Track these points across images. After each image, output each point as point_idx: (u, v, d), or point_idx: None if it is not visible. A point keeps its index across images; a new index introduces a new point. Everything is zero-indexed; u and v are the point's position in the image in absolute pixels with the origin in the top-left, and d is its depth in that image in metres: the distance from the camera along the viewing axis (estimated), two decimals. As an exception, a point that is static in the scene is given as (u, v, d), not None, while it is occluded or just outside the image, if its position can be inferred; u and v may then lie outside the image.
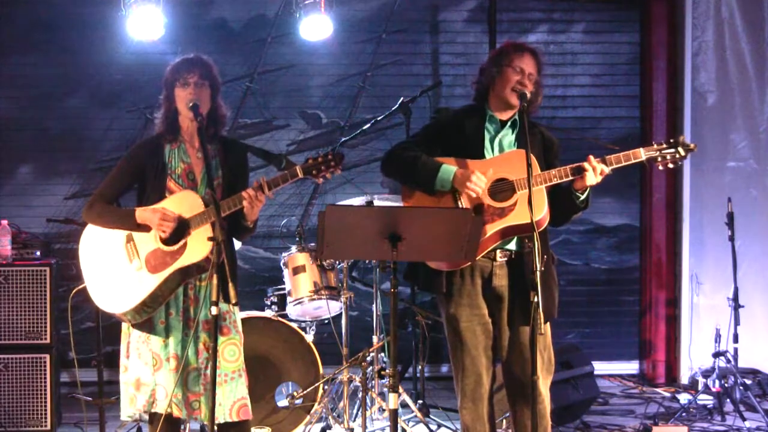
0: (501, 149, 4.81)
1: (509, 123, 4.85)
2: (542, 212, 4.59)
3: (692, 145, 4.61)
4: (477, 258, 4.68)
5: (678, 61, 8.48)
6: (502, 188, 4.67)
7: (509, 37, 8.37)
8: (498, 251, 4.75)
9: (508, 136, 4.85)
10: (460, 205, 4.68)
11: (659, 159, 4.59)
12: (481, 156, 4.78)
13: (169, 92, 4.79)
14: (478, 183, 4.60)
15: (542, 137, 4.87)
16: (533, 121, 4.87)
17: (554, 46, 8.60)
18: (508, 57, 4.83)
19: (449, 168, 4.70)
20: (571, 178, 4.63)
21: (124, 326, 4.83)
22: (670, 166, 4.62)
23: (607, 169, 4.59)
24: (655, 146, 4.61)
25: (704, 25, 8.40)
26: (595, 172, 4.58)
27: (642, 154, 4.58)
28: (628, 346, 8.75)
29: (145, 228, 4.69)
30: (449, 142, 4.83)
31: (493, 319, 4.86)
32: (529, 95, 4.70)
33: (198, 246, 4.60)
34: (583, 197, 4.69)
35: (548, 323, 4.82)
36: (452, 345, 4.91)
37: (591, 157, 4.59)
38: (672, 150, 4.58)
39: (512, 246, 4.77)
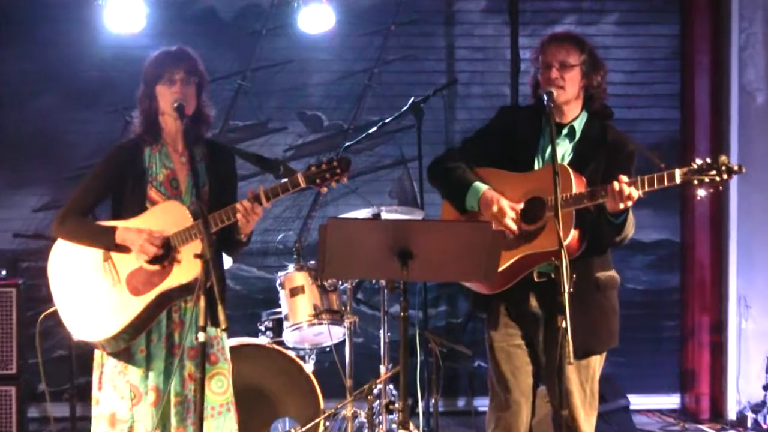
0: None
1: (566, 130, 4.84)
2: (566, 239, 4.54)
3: (736, 167, 4.41)
4: (505, 288, 4.73)
5: (723, 55, 8.46)
6: (535, 208, 4.67)
7: (533, 29, 8.38)
8: (535, 272, 4.76)
9: (563, 144, 4.85)
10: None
11: (696, 182, 4.41)
12: (530, 167, 4.81)
13: (149, 89, 4.77)
14: (500, 214, 4.64)
15: (607, 143, 4.81)
16: (604, 123, 4.87)
17: (584, 39, 8.59)
18: (536, 58, 4.89)
19: (479, 187, 4.76)
20: (599, 201, 4.56)
21: (97, 353, 4.81)
22: (711, 191, 4.44)
23: (635, 193, 4.49)
24: (694, 166, 4.42)
25: (752, 15, 8.39)
26: (616, 197, 4.45)
27: (677, 176, 4.45)
28: (668, 377, 8.72)
29: (124, 248, 4.68)
30: (501, 148, 4.89)
31: (531, 344, 4.88)
32: (557, 93, 4.72)
33: (186, 265, 4.58)
34: (617, 221, 4.60)
35: (599, 356, 4.85)
36: (489, 368, 4.97)
37: (621, 177, 4.48)
38: (713, 171, 4.41)
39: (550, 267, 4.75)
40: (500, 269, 4.63)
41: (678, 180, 4.44)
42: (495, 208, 4.65)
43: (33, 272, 7.40)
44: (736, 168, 4.40)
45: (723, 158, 4.41)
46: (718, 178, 4.40)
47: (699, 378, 8.53)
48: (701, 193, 4.45)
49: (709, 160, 4.41)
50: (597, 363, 4.89)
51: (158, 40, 7.76)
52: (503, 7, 8.50)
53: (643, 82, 8.66)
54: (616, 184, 4.45)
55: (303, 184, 4.57)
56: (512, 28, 8.39)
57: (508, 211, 4.65)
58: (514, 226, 4.64)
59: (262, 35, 8.42)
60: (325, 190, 4.62)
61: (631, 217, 4.67)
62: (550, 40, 4.90)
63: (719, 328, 8.52)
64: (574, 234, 4.61)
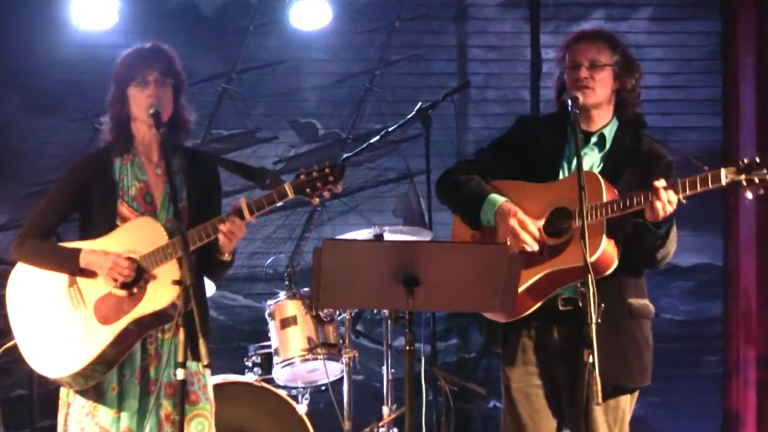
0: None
1: (595, 138, 4.84)
2: (596, 253, 4.53)
3: None
4: (529, 312, 4.71)
5: (770, 55, 8.49)
6: (560, 220, 4.66)
7: (556, 25, 8.40)
8: (560, 299, 4.74)
9: (592, 154, 4.84)
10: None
11: (745, 184, 4.41)
12: (554, 179, 4.81)
13: (120, 92, 4.77)
14: (519, 227, 4.62)
15: (641, 154, 4.81)
16: (640, 133, 4.87)
17: (613, 37, 8.60)
18: (562, 57, 4.91)
19: (495, 199, 4.75)
20: (636, 208, 4.54)
21: (63, 392, 4.78)
22: (761, 192, 4.47)
23: (674, 197, 4.48)
24: (741, 164, 4.41)
25: (804, 10, 8.42)
26: (654, 205, 4.43)
27: (723, 177, 4.46)
28: (709, 420, 8.71)
29: (90, 273, 4.66)
30: (521, 159, 4.89)
31: (554, 383, 4.85)
32: (585, 94, 4.71)
33: (161, 289, 4.56)
34: (660, 231, 4.57)
35: (630, 395, 4.81)
36: (503, 411, 4.95)
37: (656, 183, 4.45)
38: (764, 171, 4.42)
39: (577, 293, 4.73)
40: (521, 289, 4.60)
41: (724, 181, 4.42)
42: (513, 221, 4.63)
43: (-10, 301, 7.39)
44: None
45: None
46: None
47: (744, 420, 8.52)
48: (749, 195, 4.44)
49: (758, 159, 4.40)
50: (627, 403, 4.85)
51: (132, 37, 7.74)
52: (522, 1, 8.51)
53: (680, 85, 8.68)
54: (655, 186, 4.44)
55: (291, 194, 4.57)
56: (533, 24, 8.41)
57: (529, 224, 4.62)
58: (533, 244, 4.62)
59: (250, 32, 8.44)
60: (316, 200, 4.63)
61: (674, 231, 4.64)
62: (578, 37, 4.91)
63: (766, 363, 8.51)
64: (606, 243, 4.57)
